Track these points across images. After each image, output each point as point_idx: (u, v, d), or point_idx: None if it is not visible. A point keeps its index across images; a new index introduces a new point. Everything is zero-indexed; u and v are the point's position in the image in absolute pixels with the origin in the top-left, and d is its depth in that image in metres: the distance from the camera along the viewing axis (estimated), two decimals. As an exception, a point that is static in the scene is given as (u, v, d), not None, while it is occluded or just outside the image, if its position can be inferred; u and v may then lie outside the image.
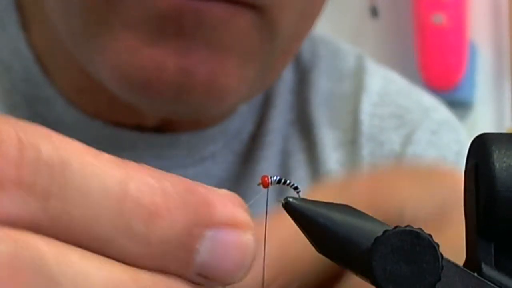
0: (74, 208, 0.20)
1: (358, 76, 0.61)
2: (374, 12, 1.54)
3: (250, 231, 0.23)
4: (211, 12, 0.43)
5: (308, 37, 0.54)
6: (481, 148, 0.25)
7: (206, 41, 0.44)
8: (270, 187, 0.25)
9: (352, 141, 0.58)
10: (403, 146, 0.58)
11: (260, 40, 0.45)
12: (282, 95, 0.59)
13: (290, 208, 0.24)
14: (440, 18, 1.48)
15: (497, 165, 0.24)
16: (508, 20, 1.52)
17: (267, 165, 0.56)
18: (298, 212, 0.24)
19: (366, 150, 0.57)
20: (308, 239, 0.24)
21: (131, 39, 0.43)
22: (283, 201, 0.25)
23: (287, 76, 0.59)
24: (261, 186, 0.25)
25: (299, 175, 0.56)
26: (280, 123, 0.58)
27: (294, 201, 0.24)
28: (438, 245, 0.23)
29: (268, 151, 0.56)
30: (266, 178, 0.25)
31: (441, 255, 0.23)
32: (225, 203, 0.23)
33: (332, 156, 0.57)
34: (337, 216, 0.24)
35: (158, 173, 0.22)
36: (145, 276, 0.21)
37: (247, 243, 0.22)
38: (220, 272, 0.22)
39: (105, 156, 0.22)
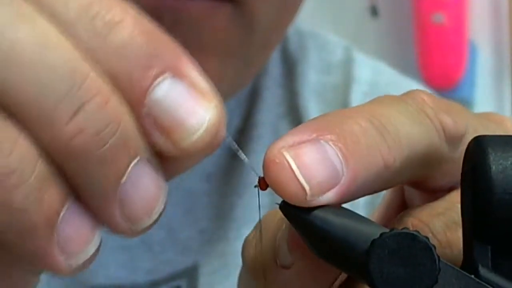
0: None
1: (347, 67, 0.61)
2: (374, 11, 1.54)
3: (215, 104, 0.23)
4: (189, 11, 0.43)
5: (295, 30, 0.53)
6: (478, 150, 0.25)
7: (184, 40, 0.44)
8: (267, 189, 0.25)
9: None
10: None
11: (239, 35, 0.45)
12: (270, 89, 0.59)
13: (287, 210, 0.24)
14: (440, 18, 1.48)
15: (493, 167, 0.24)
16: (508, 20, 1.51)
17: (257, 159, 0.56)
18: (295, 215, 0.24)
19: None
20: (305, 241, 0.24)
21: None
22: (280, 203, 0.25)
23: (275, 70, 0.59)
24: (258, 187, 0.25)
25: None
26: (269, 117, 0.57)
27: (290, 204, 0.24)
28: (435, 247, 0.23)
29: (257, 144, 0.56)
30: (263, 180, 0.25)
31: (438, 257, 0.23)
32: (196, 68, 0.23)
33: None
34: (334, 219, 0.24)
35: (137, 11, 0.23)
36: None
37: (208, 110, 0.23)
38: (170, 121, 0.22)
39: None
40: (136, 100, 0.22)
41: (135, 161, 0.23)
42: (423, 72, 1.51)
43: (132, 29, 0.22)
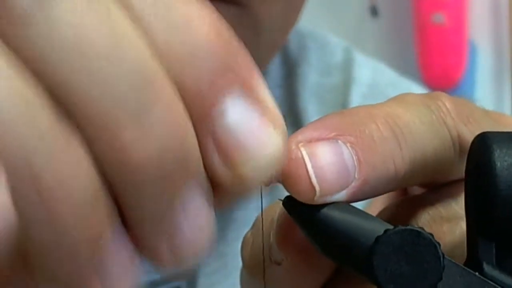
0: None
1: (347, 68, 0.61)
2: (374, 11, 1.54)
3: (281, 131, 0.21)
4: None
5: (295, 30, 0.53)
6: (482, 147, 0.24)
7: None
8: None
9: None
10: None
11: (245, 36, 0.45)
12: (270, 90, 0.59)
13: (290, 207, 0.24)
14: (440, 18, 1.48)
15: (498, 164, 0.24)
16: (508, 20, 1.51)
17: None
18: (298, 211, 0.24)
19: None
20: (308, 238, 0.24)
21: None
22: (284, 200, 0.24)
23: (275, 71, 0.59)
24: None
25: None
26: None
27: (294, 200, 0.24)
28: (439, 244, 0.23)
29: None
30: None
31: (443, 254, 0.23)
32: (267, 90, 0.21)
33: None
34: (338, 215, 0.24)
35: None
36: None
37: (272, 137, 0.21)
38: (233, 143, 0.20)
39: None
40: (201, 115, 0.20)
41: (191, 183, 0.20)
42: (423, 72, 1.51)
43: (212, 28, 0.20)
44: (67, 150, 0.19)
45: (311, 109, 0.58)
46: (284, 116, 0.61)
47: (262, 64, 0.51)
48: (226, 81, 0.20)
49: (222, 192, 0.21)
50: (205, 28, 0.20)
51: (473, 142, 0.25)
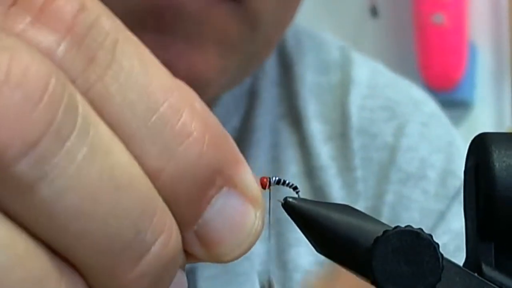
0: (112, 84, 0.19)
1: (345, 68, 0.61)
2: (374, 12, 1.54)
3: (261, 212, 0.22)
4: (190, 6, 0.43)
5: (291, 29, 0.53)
6: (481, 148, 0.24)
7: (186, 35, 0.44)
8: (270, 187, 0.25)
9: (341, 134, 0.58)
10: (396, 138, 0.58)
11: (241, 31, 0.46)
12: (267, 89, 0.58)
13: (289, 208, 0.24)
14: (440, 18, 1.48)
15: (497, 164, 0.24)
16: (508, 20, 1.51)
17: (258, 164, 0.55)
18: (297, 212, 0.24)
19: (356, 143, 0.57)
20: (307, 239, 0.24)
21: None
22: (283, 201, 0.24)
23: (272, 70, 0.59)
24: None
25: (291, 171, 0.56)
26: (268, 118, 0.57)
27: (294, 201, 0.24)
28: (438, 245, 0.23)
29: (257, 148, 0.56)
30: (265, 179, 0.25)
31: (442, 255, 0.23)
32: (250, 174, 0.22)
33: (323, 150, 0.57)
34: (337, 216, 0.24)
35: (205, 106, 0.21)
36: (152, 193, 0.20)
37: (255, 222, 0.21)
38: (217, 240, 0.21)
39: (160, 64, 0.21)
40: (189, 222, 0.21)
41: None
42: (423, 72, 1.51)
43: (202, 142, 0.20)
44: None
45: (311, 109, 0.58)
46: (283, 115, 0.61)
47: (258, 60, 0.51)
48: (215, 188, 0.21)
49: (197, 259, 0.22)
50: (199, 140, 0.20)
51: (471, 142, 0.25)
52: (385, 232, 0.23)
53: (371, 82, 0.61)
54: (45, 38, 0.19)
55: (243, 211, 0.21)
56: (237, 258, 0.22)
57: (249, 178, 0.22)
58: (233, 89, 0.54)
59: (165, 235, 0.20)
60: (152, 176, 0.20)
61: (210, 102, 0.54)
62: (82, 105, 0.19)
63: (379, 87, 0.61)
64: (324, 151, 0.57)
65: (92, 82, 0.19)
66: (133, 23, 0.44)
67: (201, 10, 0.44)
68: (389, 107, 0.59)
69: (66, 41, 0.19)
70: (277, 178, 0.25)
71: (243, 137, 0.56)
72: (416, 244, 0.23)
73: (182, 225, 0.21)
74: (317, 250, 0.24)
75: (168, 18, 0.43)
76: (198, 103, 0.21)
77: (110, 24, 0.20)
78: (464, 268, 0.24)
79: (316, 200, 0.24)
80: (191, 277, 0.54)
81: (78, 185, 0.18)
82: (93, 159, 0.19)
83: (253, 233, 0.22)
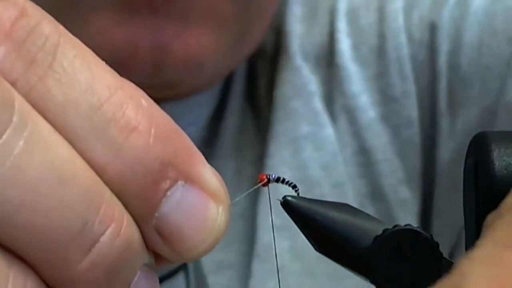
0: (54, 84, 0.20)
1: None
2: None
3: (224, 207, 0.22)
4: None
5: None
6: (481, 146, 0.24)
7: (179, 16, 0.44)
8: (270, 184, 0.25)
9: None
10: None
11: (234, 9, 0.46)
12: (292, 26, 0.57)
13: (288, 206, 0.24)
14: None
15: (497, 163, 0.24)
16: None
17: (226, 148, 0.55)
18: (296, 211, 0.24)
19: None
20: (306, 237, 0.24)
21: (100, 20, 0.44)
22: (282, 199, 0.24)
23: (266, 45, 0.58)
24: (260, 184, 0.25)
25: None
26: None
27: (293, 199, 0.24)
28: (438, 244, 0.23)
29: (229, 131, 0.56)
30: (264, 177, 0.25)
31: (441, 253, 0.23)
32: (209, 169, 0.22)
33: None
34: (336, 215, 0.24)
35: (152, 101, 0.21)
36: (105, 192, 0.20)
37: (217, 217, 0.22)
38: (178, 235, 0.21)
39: (105, 64, 0.21)
40: (145, 216, 0.21)
41: (139, 273, 0.21)
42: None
43: (148, 135, 0.21)
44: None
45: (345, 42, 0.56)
46: (322, 58, 0.58)
47: (254, 38, 0.51)
48: (168, 180, 0.21)
49: (164, 259, 0.22)
50: (144, 133, 0.20)
51: (471, 141, 0.25)
52: (384, 231, 0.23)
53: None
54: None
55: (202, 206, 0.21)
56: (203, 255, 0.22)
57: (208, 172, 0.22)
58: (230, 71, 0.53)
59: (115, 225, 0.20)
60: (99, 170, 0.20)
61: (211, 82, 0.53)
62: (19, 103, 0.19)
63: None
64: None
65: (33, 84, 0.20)
66: (124, 7, 0.44)
67: None
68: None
69: (4, 46, 0.20)
70: (276, 176, 0.25)
71: (217, 123, 0.55)
72: (416, 243, 0.23)
73: (139, 218, 0.21)
74: (316, 249, 0.24)
75: (161, 0, 0.43)
76: (145, 100, 0.21)
77: (51, 28, 0.20)
78: (463, 267, 0.24)
79: (315, 198, 0.24)
80: (187, 270, 0.54)
81: (17, 178, 0.19)
82: (31, 152, 0.19)
83: (217, 229, 0.22)
